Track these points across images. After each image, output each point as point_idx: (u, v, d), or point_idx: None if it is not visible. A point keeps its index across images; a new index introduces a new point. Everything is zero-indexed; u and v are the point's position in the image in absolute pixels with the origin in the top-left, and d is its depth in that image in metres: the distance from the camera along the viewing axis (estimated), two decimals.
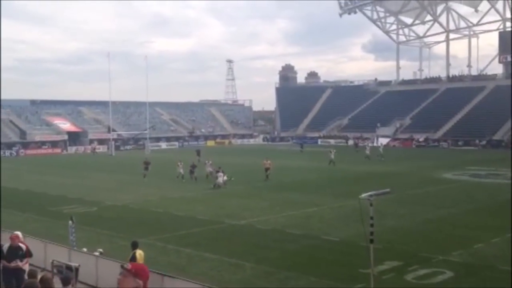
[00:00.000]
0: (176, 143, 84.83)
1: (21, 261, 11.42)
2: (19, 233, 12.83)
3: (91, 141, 75.76)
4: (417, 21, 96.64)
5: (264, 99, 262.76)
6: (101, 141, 76.75)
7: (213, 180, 32.81)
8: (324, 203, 25.48)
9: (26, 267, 11.70)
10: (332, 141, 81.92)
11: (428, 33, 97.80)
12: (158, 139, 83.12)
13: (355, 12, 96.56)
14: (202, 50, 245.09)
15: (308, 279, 13.66)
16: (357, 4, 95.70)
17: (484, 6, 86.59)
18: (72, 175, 40.40)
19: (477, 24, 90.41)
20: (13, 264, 11.23)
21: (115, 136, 75.69)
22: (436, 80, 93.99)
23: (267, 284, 13.38)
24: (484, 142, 68.64)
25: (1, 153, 64.58)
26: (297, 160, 52.46)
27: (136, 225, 20.75)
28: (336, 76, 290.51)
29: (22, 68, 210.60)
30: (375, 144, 69.41)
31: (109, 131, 75.44)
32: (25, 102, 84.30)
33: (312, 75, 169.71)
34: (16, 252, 11.44)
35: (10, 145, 68.46)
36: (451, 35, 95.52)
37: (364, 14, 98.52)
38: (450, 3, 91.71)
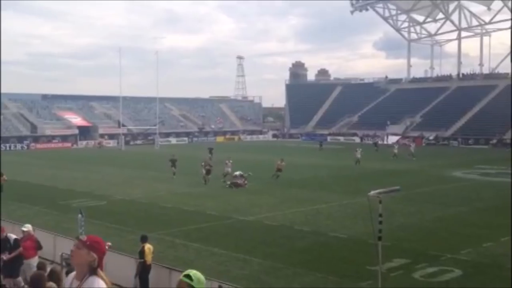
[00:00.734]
0: (186, 138, 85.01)
1: (10, 253, 11.21)
2: (29, 226, 12.99)
3: (101, 136, 76.11)
4: (429, 19, 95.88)
5: (274, 96, 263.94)
6: (111, 136, 77.07)
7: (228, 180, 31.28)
8: (333, 200, 25.47)
9: (36, 261, 11.76)
10: (341, 138, 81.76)
11: (439, 31, 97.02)
12: (168, 135, 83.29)
13: (367, 10, 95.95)
14: (213, 46, 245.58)
15: (315, 275, 13.69)
16: (369, 2, 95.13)
17: (496, 4, 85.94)
18: (81, 169, 40.60)
19: (489, 23, 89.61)
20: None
21: (125, 131, 76.08)
22: (447, 78, 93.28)
23: (274, 279, 13.42)
24: (494, 141, 68.13)
25: (12, 146, 66.27)
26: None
27: (145, 220, 20.87)
28: (346, 73, 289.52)
29: (34, 63, 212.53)
30: (384, 142, 69.20)
31: (119, 126, 75.89)
32: (37, 96, 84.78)
33: (323, 72, 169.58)
34: (4, 245, 11.28)
35: (21, 139, 68.93)
36: (463, 33, 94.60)
37: (376, 11, 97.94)
38: (462, 1, 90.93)
